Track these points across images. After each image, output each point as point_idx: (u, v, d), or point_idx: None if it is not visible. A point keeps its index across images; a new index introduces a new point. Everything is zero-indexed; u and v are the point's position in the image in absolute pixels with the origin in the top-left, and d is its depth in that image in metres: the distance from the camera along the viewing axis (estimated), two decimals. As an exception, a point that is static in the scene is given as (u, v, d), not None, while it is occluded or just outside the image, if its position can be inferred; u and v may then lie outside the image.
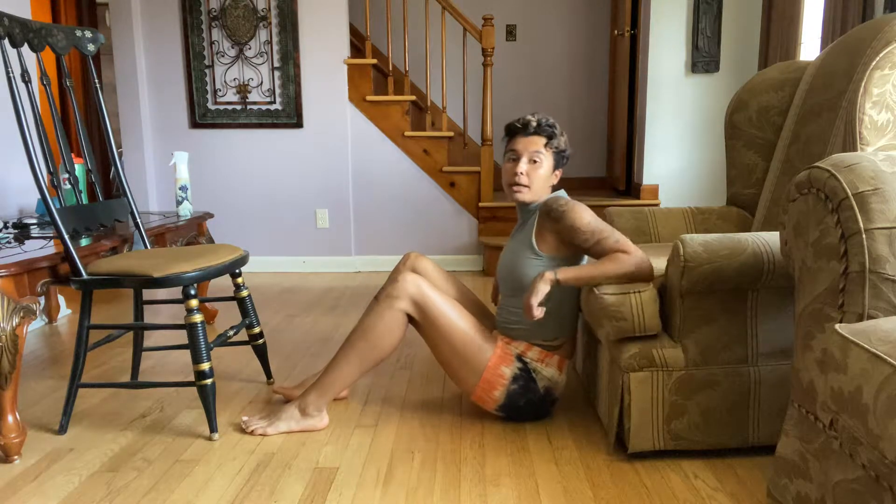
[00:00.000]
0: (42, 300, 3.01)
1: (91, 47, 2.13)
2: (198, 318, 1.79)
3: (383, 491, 1.54)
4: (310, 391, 1.87)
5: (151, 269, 1.76)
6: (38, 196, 3.00)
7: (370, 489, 1.55)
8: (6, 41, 1.82)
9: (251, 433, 1.85)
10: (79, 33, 2.10)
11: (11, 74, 1.76)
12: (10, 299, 1.64)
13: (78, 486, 1.58)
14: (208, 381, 1.80)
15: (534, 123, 1.85)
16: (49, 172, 1.91)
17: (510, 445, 1.77)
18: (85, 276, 1.81)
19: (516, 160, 1.85)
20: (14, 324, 1.62)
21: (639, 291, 1.63)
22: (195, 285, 1.82)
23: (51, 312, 3.04)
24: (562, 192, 1.91)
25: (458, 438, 1.81)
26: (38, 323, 3.01)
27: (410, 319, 1.83)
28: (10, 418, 1.68)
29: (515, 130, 1.87)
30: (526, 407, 1.85)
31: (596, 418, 1.93)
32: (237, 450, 1.75)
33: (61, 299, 3.18)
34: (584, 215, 1.74)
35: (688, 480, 1.57)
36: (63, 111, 4.94)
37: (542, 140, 1.84)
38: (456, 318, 1.81)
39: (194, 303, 1.80)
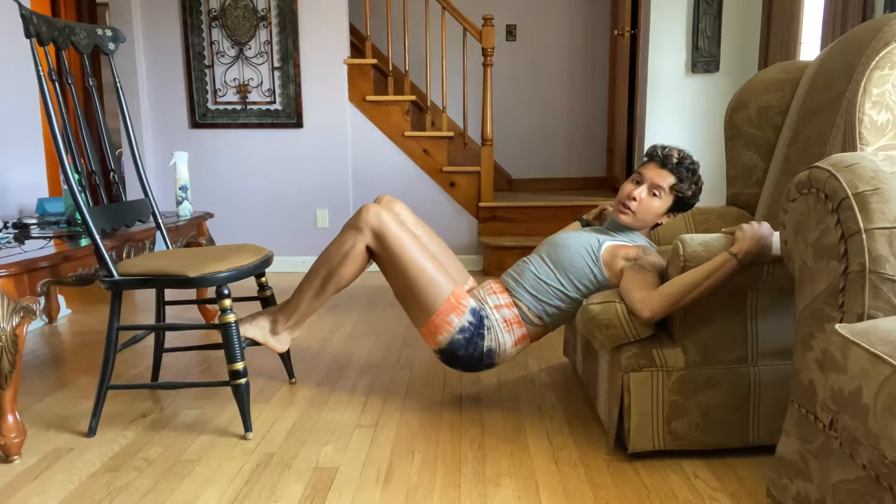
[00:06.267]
0: (42, 300, 3.01)
1: (112, 46, 2.13)
2: (232, 317, 1.79)
3: (383, 491, 1.54)
4: (278, 313, 1.97)
5: (186, 269, 1.76)
6: (38, 196, 3.01)
7: (370, 489, 1.55)
8: (34, 40, 1.81)
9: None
10: (100, 32, 2.10)
11: (41, 74, 1.76)
12: (10, 299, 1.64)
13: (78, 486, 1.58)
14: (242, 381, 1.80)
15: (674, 160, 1.83)
16: (78, 171, 1.92)
17: (510, 445, 1.77)
18: (116, 276, 1.81)
19: (638, 183, 1.86)
20: (14, 324, 1.62)
21: (621, 301, 1.64)
22: (228, 285, 1.82)
23: (51, 312, 3.04)
24: (649, 244, 1.90)
25: (458, 438, 1.81)
26: (38, 323, 3.01)
27: (372, 253, 1.87)
28: (10, 418, 1.68)
29: (653, 157, 1.86)
30: (463, 359, 1.88)
31: (596, 418, 1.93)
32: (237, 450, 1.75)
33: (61, 299, 3.18)
34: (652, 278, 1.67)
35: (688, 480, 1.57)
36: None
37: (671, 179, 1.83)
38: (414, 256, 1.84)
39: (228, 302, 1.80)
